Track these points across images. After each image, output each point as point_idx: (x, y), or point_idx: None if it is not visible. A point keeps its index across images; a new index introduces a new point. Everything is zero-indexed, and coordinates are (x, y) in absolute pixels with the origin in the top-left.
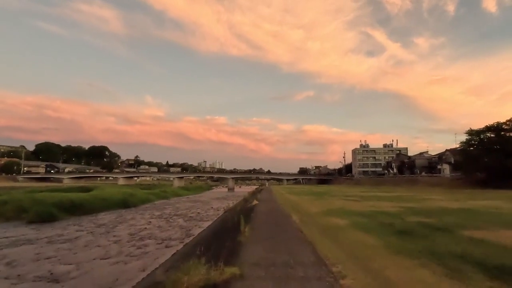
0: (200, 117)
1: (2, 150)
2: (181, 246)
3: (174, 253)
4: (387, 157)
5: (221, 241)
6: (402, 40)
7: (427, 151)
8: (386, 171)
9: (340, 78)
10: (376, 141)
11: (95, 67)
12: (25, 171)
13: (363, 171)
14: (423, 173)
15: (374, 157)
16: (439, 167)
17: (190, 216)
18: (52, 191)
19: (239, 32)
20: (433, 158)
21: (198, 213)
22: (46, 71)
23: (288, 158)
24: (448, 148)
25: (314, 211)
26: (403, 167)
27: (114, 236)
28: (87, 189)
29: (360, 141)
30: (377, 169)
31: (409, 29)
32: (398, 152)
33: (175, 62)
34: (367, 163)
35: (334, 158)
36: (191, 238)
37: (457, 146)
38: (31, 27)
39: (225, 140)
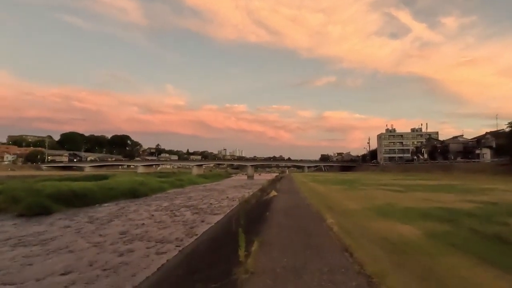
0: (219, 105)
1: (30, 139)
2: (175, 252)
3: (160, 267)
4: (415, 142)
5: (218, 258)
6: (428, 20)
7: (462, 135)
8: (415, 157)
9: (362, 63)
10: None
11: (117, 58)
12: (49, 160)
13: (389, 157)
14: (458, 159)
15: (401, 142)
16: (477, 151)
17: (200, 208)
18: (64, 180)
19: (258, 18)
20: (470, 142)
21: (210, 204)
22: (72, 63)
23: (308, 145)
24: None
25: (353, 208)
26: (435, 153)
27: (100, 235)
28: (103, 177)
29: (386, 125)
30: (404, 155)
31: (436, 8)
32: (428, 136)
33: (194, 50)
34: (393, 149)
35: (356, 145)
36: (191, 241)
37: (489, 130)
38: (55, 20)
39: (244, 128)
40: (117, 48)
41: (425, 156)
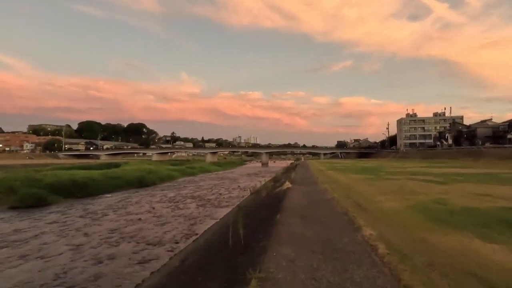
0: (234, 93)
1: (49, 129)
2: (164, 260)
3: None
4: (438, 128)
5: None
6: (450, 0)
7: (491, 119)
8: (438, 143)
9: (380, 46)
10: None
11: (132, 47)
12: (66, 149)
13: (410, 143)
14: (487, 144)
15: (423, 128)
16: (509, 136)
17: (208, 200)
18: (74, 168)
19: (272, 2)
20: (500, 126)
21: (219, 194)
22: (88, 53)
23: (324, 132)
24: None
25: (391, 208)
26: (461, 138)
27: (86, 234)
28: (115, 165)
29: (407, 110)
30: (426, 141)
31: None
32: (452, 121)
33: (209, 38)
34: (414, 135)
35: (373, 131)
36: (187, 243)
37: None
38: (71, 10)
39: (259, 115)
40: (132, 37)
41: (449, 141)
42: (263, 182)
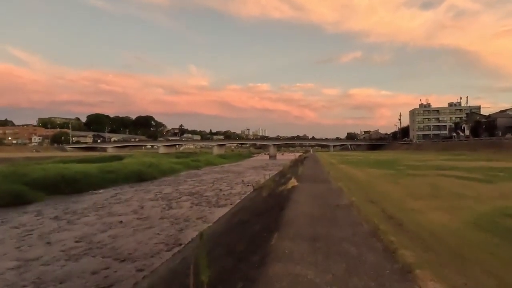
0: (243, 85)
1: (58, 122)
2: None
3: None
4: (453, 118)
5: None
6: None
7: None
8: (454, 134)
9: (391, 36)
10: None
11: (141, 40)
12: (74, 141)
13: (423, 134)
14: (508, 135)
15: (437, 118)
16: None
17: (206, 197)
18: (74, 162)
19: None
20: None
21: (220, 190)
22: (98, 47)
23: (333, 124)
24: None
25: (442, 224)
26: (479, 129)
27: (47, 244)
28: (118, 158)
29: (420, 100)
30: (441, 132)
31: None
32: (469, 111)
33: (217, 30)
34: (428, 125)
35: (383, 123)
36: (164, 258)
37: None
38: (80, 4)
39: (268, 107)
40: (141, 30)
41: (467, 132)
42: (267, 177)
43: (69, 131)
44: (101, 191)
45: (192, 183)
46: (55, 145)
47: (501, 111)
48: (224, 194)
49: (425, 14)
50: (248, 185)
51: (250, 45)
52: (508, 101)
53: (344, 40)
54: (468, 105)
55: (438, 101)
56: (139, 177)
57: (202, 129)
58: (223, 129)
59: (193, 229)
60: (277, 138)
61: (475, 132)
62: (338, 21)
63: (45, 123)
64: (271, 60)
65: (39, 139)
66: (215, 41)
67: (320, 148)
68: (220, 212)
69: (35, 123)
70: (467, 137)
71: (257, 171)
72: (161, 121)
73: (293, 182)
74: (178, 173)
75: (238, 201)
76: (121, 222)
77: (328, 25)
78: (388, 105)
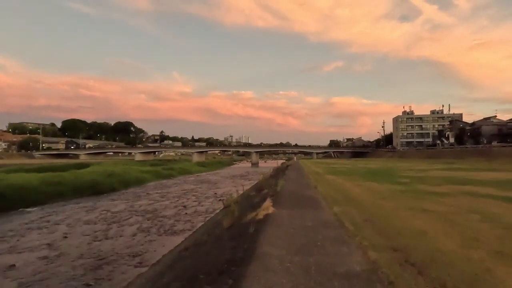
0: (227, 92)
1: (30, 127)
2: None
3: None
4: (436, 126)
5: None
6: (440, 1)
7: (495, 116)
8: (438, 142)
9: (372, 47)
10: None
11: (124, 45)
12: (45, 148)
13: (407, 142)
14: (494, 143)
15: (421, 126)
16: None
17: (161, 218)
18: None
19: (265, 2)
20: (508, 123)
21: (184, 207)
22: (79, 51)
23: (316, 132)
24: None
25: None
26: (463, 136)
27: None
28: (85, 166)
29: (403, 107)
30: (424, 140)
31: None
32: (451, 119)
33: (202, 37)
34: (411, 133)
35: (365, 131)
36: None
37: None
38: (62, 7)
39: (252, 114)
40: (124, 35)
41: (451, 140)
42: (246, 188)
43: (39, 136)
44: (35, 208)
45: (154, 197)
46: (23, 151)
47: (485, 119)
48: (186, 213)
49: (404, 26)
50: (220, 199)
51: (235, 53)
52: (481, 111)
53: (327, 49)
54: (450, 112)
55: (417, 110)
56: (93, 189)
57: (184, 136)
58: (206, 136)
59: (111, 282)
60: (260, 145)
61: (459, 139)
62: (321, 31)
63: (15, 128)
64: (256, 68)
65: (5, 145)
66: (199, 48)
67: (303, 155)
68: (170, 243)
69: (4, 128)
70: (451, 144)
71: (235, 181)
72: (142, 128)
73: (267, 206)
74: (145, 184)
75: (200, 224)
76: (13, 266)
77: (311, 35)
78: (369, 114)
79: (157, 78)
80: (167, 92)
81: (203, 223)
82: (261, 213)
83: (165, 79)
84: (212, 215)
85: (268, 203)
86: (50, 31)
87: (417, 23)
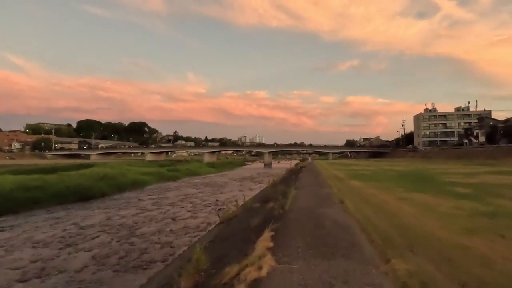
0: (240, 92)
1: (46, 127)
2: None
3: None
4: (462, 124)
5: None
6: None
7: None
8: (465, 141)
9: (387, 45)
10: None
11: (139, 47)
12: (58, 148)
13: (429, 141)
14: None
15: (445, 124)
16: None
17: (135, 239)
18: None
19: (278, 2)
20: None
21: (172, 220)
22: (96, 54)
23: (331, 131)
24: None
25: None
26: (496, 134)
27: None
28: (89, 166)
29: (426, 105)
30: (449, 139)
31: None
32: (479, 116)
33: (215, 37)
34: (434, 132)
35: (380, 130)
36: None
37: None
38: (78, 11)
39: (265, 114)
40: (139, 37)
41: (481, 139)
42: (255, 193)
43: (53, 137)
44: (1, 218)
45: (144, 205)
46: (36, 151)
47: None
48: (171, 230)
49: (421, 23)
50: (220, 208)
51: (248, 53)
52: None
53: (341, 48)
54: (477, 109)
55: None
56: (78, 195)
57: (198, 136)
58: (219, 136)
59: None
60: (273, 145)
61: (491, 138)
62: (335, 29)
63: (32, 129)
64: (269, 68)
65: (20, 145)
66: (213, 48)
67: (318, 156)
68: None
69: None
70: (481, 144)
71: (243, 184)
72: (157, 128)
73: (261, 253)
74: (144, 187)
75: (179, 252)
76: None
77: (325, 33)
78: (384, 113)
79: (171, 79)
80: (181, 93)
81: (183, 250)
82: (248, 274)
83: (179, 80)
84: (202, 235)
85: (264, 244)
86: (69, 34)
87: (435, 20)
